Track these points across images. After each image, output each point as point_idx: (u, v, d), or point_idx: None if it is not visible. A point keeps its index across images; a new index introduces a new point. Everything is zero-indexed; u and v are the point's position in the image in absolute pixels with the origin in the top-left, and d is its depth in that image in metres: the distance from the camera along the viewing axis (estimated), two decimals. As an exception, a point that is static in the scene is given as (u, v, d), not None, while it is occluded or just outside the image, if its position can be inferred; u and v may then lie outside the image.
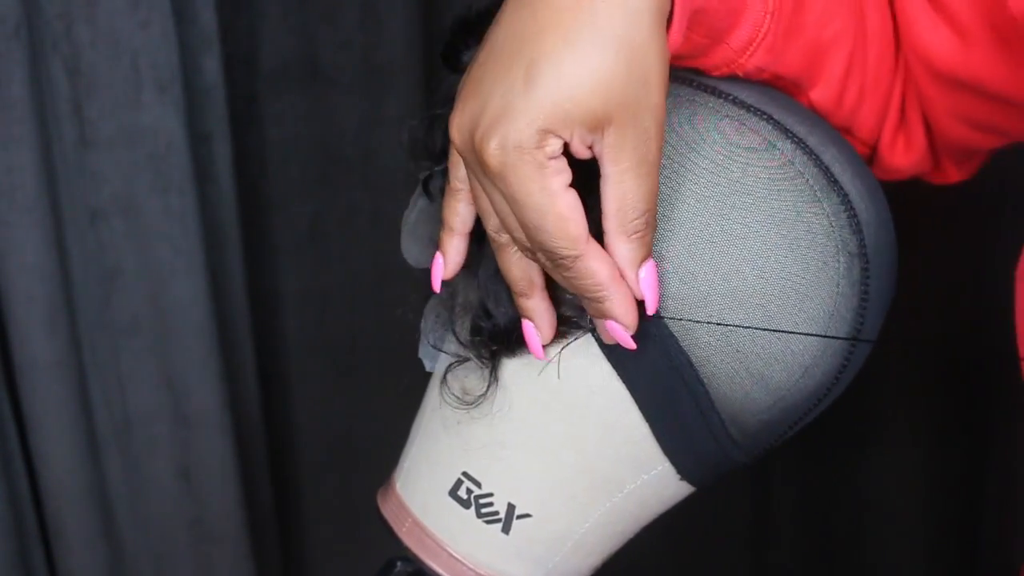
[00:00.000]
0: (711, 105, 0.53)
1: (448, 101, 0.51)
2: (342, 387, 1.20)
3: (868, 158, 0.63)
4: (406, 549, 0.58)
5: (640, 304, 0.50)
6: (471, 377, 0.56)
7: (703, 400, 0.53)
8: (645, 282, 0.48)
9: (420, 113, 0.58)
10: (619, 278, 0.48)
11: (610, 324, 0.50)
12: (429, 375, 0.62)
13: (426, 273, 0.56)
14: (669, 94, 0.53)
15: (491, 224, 0.50)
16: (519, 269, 0.50)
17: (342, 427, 1.22)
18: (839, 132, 0.59)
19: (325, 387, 1.20)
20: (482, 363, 0.55)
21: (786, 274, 0.51)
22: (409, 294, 0.59)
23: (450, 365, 0.57)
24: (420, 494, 0.59)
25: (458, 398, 0.56)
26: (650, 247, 0.48)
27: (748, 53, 0.54)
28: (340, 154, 1.12)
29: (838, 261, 0.52)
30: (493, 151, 0.45)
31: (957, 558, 1.19)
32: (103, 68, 0.92)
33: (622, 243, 0.48)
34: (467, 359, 0.56)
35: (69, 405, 0.98)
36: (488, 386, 0.55)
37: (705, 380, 0.52)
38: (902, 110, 0.62)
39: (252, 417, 1.12)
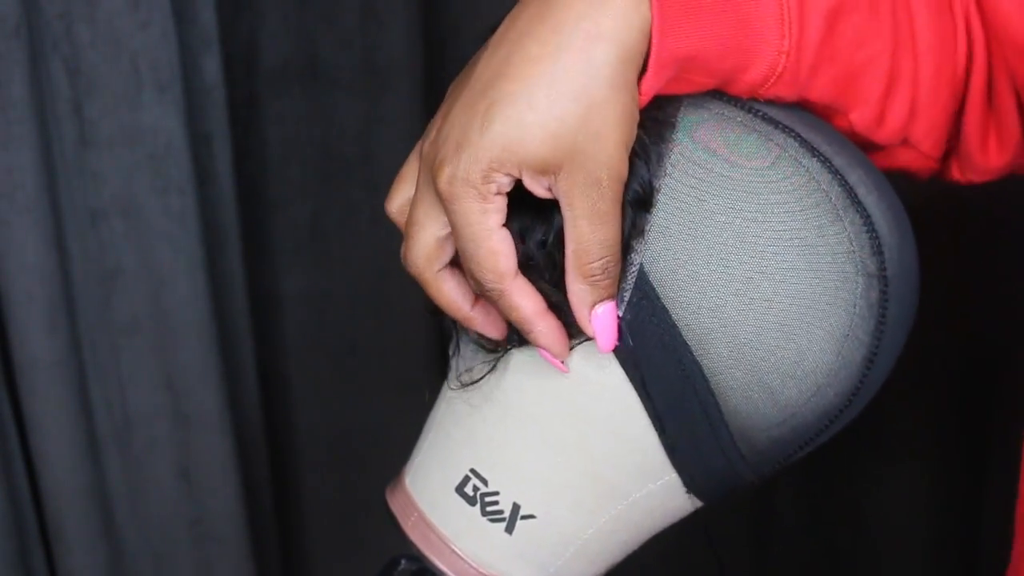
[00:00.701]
0: (739, 119, 0.53)
1: None
2: (342, 387, 1.20)
3: (936, 171, 0.62)
4: (411, 543, 0.58)
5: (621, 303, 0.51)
6: (476, 369, 0.57)
7: (713, 412, 0.52)
8: (599, 322, 0.50)
9: (421, 113, 0.59)
10: (544, 312, 0.51)
11: (540, 350, 0.52)
12: (429, 374, 0.62)
13: None
14: (699, 106, 0.53)
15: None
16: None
17: (342, 427, 1.22)
18: (887, 150, 0.58)
19: (325, 387, 1.20)
20: (485, 349, 0.56)
21: (803, 290, 0.51)
22: (411, 292, 0.59)
23: (456, 344, 0.57)
24: (428, 489, 0.59)
25: (459, 380, 0.57)
26: (609, 291, 0.50)
27: (766, 87, 0.53)
28: (340, 154, 1.12)
29: (856, 282, 0.52)
30: (444, 179, 0.49)
31: (958, 571, 1.19)
32: (103, 68, 0.92)
33: (577, 283, 0.50)
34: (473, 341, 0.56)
35: (69, 405, 0.98)
36: (488, 371, 0.56)
37: (716, 392, 0.52)
38: (989, 110, 0.61)
39: (252, 417, 1.12)
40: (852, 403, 0.54)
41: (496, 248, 0.49)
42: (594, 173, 0.48)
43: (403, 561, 0.59)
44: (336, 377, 1.20)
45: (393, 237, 0.60)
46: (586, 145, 0.48)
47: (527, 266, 0.52)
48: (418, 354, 1.16)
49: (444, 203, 0.50)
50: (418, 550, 0.58)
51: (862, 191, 0.53)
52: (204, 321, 1.01)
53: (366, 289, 1.15)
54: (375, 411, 1.20)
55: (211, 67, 0.98)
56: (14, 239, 0.91)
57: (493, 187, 0.48)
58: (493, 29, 0.53)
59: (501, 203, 0.49)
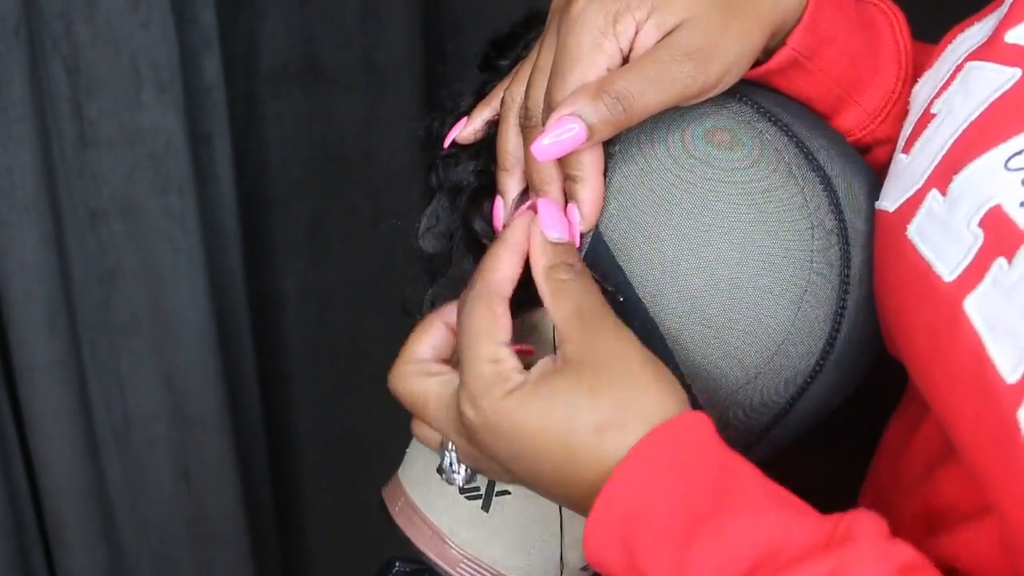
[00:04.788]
0: None
1: (457, 97, 0.55)
2: (342, 387, 1.20)
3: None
4: (397, 529, 0.58)
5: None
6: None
7: (673, 371, 0.52)
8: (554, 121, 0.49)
9: (421, 112, 0.60)
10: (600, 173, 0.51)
11: (571, 208, 0.51)
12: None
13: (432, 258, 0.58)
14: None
15: (514, 90, 0.53)
16: (513, 144, 0.53)
17: (342, 427, 1.22)
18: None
19: (325, 387, 1.20)
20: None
21: (753, 243, 0.51)
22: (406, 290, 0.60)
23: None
24: (413, 473, 0.59)
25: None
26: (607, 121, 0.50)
27: (880, 119, 0.55)
28: (340, 154, 1.12)
29: (811, 236, 0.52)
30: (580, 4, 0.50)
31: None
32: (103, 68, 0.92)
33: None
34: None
35: (69, 405, 0.98)
36: None
37: (675, 351, 0.52)
38: None
39: (252, 417, 1.12)
40: (824, 368, 0.53)
41: (587, 73, 0.49)
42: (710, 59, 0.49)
43: (397, 564, 0.59)
44: (336, 377, 1.20)
45: (393, 237, 0.60)
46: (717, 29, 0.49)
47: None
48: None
49: (566, 23, 0.50)
50: (403, 534, 0.58)
51: (823, 156, 0.53)
52: (204, 321, 1.01)
53: (366, 288, 1.15)
54: (375, 411, 1.20)
55: (211, 67, 0.98)
56: (14, 239, 0.91)
57: (618, 28, 0.49)
58: (496, 35, 0.54)
59: (614, 52, 0.49)
